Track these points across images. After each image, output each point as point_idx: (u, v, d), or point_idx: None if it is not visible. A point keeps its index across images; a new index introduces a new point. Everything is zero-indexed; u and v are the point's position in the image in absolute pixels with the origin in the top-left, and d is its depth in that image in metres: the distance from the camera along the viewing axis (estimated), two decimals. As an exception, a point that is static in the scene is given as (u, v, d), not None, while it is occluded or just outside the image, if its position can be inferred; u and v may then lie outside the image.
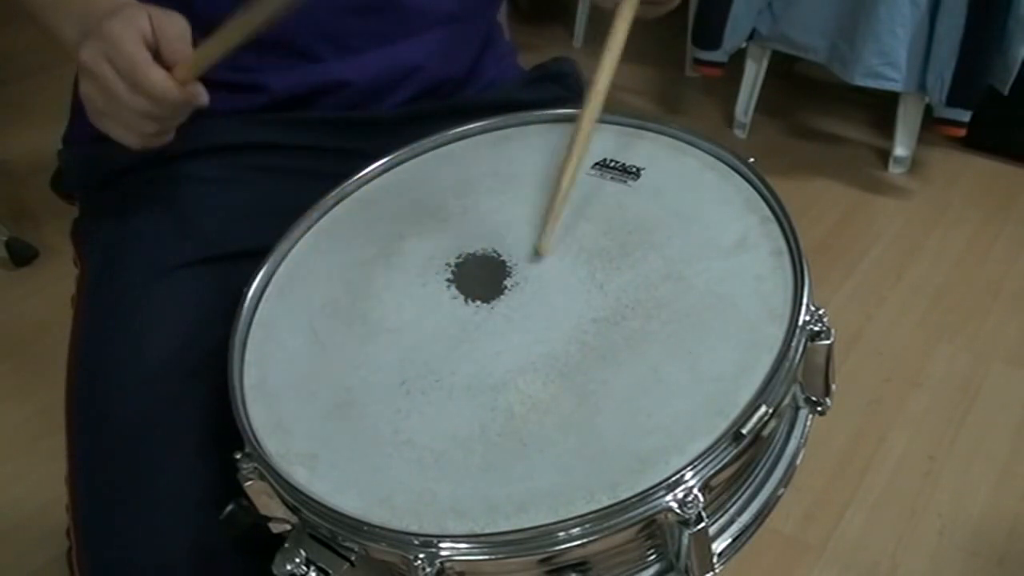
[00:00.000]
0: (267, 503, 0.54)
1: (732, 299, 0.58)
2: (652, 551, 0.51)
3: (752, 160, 0.66)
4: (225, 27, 0.59)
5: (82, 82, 0.61)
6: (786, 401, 0.54)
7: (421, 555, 0.47)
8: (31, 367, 1.55)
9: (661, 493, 0.47)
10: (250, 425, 0.55)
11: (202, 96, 0.61)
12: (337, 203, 0.71)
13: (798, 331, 0.54)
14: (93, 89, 0.60)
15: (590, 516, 0.47)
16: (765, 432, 0.52)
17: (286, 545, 0.52)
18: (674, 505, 0.47)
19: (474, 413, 0.54)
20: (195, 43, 0.62)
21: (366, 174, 0.73)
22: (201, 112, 0.63)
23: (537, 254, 0.62)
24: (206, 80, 0.64)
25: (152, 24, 0.59)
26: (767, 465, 0.56)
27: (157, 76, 0.59)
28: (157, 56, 0.59)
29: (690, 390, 0.53)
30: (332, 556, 0.51)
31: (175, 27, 0.60)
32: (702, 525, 0.48)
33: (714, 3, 1.86)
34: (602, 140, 0.72)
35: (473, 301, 0.60)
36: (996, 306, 1.62)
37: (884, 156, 1.97)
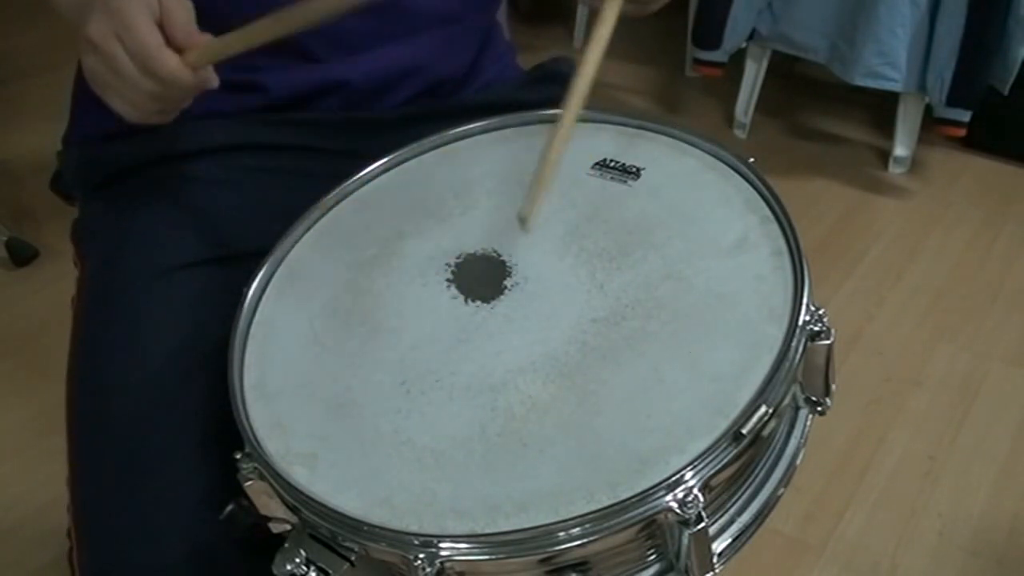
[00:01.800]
0: (267, 503, 0.54)
1: (732, 299, 0.58)
2: (652, 551, 0.51)
3: (752, 160, 0.66)
4: (254, 25, 0.59)
5: (87, 56, 0.59)
6: (786, 401, 0.54)
7: (421, 555, 0.47)
8: (31, 367, 1.55)
9: (661, 493, 0.47)
10: (250, 425, 0.55)
11: (213, 80, 0.61)
12: (337, 203, 0.71)
13: (798, 331, 0.54)
14: (100, 65, 0.59)
15: (590, 516, 0.47)
16: (765, 432, 0.52)
17: (286, 545, 0.52)
18: (674, 505, 0.47)
19: (474, 413, 0.54)
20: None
21: (366, 174, 0.73)
22: (201, 113, 0.63)
23: (521, 223, 0.61)
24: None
25: (161, 5, 0.59)
26: (767, 465, 0.56)
27: (171, 61, 0.58)
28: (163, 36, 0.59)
29: (690, 390, 0.53)
30: (332, 556, 0.51)
31: (183, 10, 0.59)
32: (702, 525, 0.48)
33: (714, 3, 1.86)
34: (602, 140, 0.72)
35: (473, 301, 0.60)
36: (996, 306, 1.62)
37: (884, 156, 1.98)
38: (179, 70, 0.58)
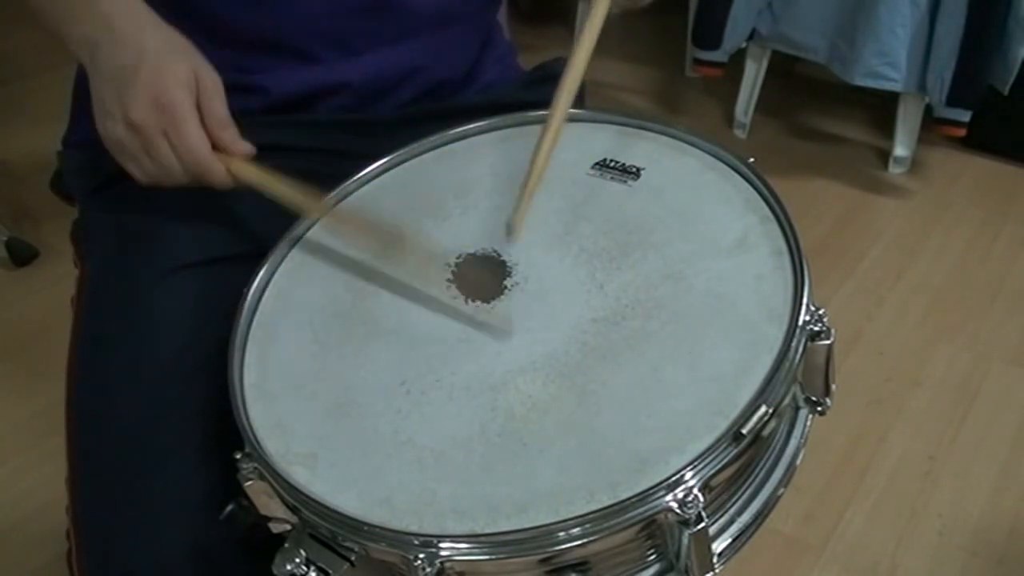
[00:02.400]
0: (267, 503, 0.54)
1: (732, 299, 0.58)
2: (652, 551, 0.51)
3: (752, 160, 0.66)
4: (289, 183, 0.63)
5: (119, 128, 0.61)
6: (786, 401, 0.54)
7: (421, 555, 0.47)
8: (31, 367, 1.55)
9: (661, 493, 0.47)
10: (250, 425, 0.55)
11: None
12: (337, 203, 0.71)
13: (798, 331, 0.54)
14: (135, 146, 0.61)
15: (590, 516, 0.47)
16: (765, 432, 0.52)
17: (286, 545, 0.52)
18: (674, 505, 0.47)
19: (474, 413, 0.54)
20: (197, 46, 0.64)
21: (366, 174, 0.73)
22: None
23: (509, 234, 0.62)
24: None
25: (198, 84, 0.61)
26: (767, 465, 0.56)
27: (220, 172, 0.62)
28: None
29: (690, 390, 0.53)
30: (332, 556, 0.51)
31: (216, 86, 0.62)
32: (702, 525, 0.48)
33: (714, 3, 1.86)
34: (602, 140, 0.72)
35: (473, 301, 0.60)
36: (996, 306, 1.62)
37: (884, 156, 1.98)
38: (223, 177, 0.63)
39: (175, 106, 0.59)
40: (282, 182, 0.63)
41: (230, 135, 0.62)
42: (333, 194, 0.71)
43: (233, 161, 0.63)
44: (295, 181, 0.64)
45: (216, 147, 0.62)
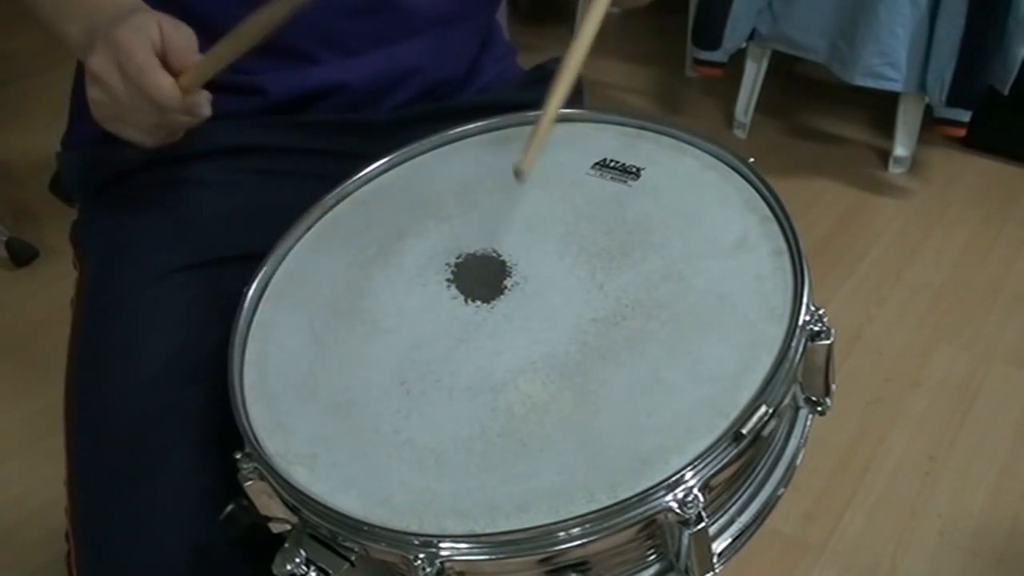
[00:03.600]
0: (267, 503, 0.54)
1: (732, 299, 0.58)
2: (652, 551, 0.51)
3: (752, 160, 0.66)
4: (227, 36, 0.60)
5: (91, 88, 0.61)
6: (786, 401, 0.54)
7: (421, 555, 0.47)
8: (31, 367, 1.55)
9: (661, 493, 0.47)
10: (250, 425, 0.55)
11: (204, 107, 0.62)
12: (337, 203, 0.71)
13: (798, 331, 0.54)
14: (102, 95, 0.61)
15: (590, 516, 0.47)
16: (765, 432, 0.52)
17: (286, 545, 0.52)
18: (674, 505, 0.47)
19: (474, 413, 0.54)
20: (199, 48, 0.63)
21: (366, 174, 0.73)
22: None
23: (517, 174, 0.60)
24: (206, 82, 0.64)
25: (162, 32, 0.60)
26: (767, 465, 0.56)
27: (164, 81, 0.60)
28: (165, 64, 0.60)
29: (690, 390, 0.53)
30: (332, 556, 0.51)
31: (183, 36, 0.61)
32: (702, 525, 0.48)
33: (714, 3, 1.86)
34: (602, 140, 0.72)
35: (473, 301, 0.60)
36: (996, 306, 1.62)
37: (884, 156, 1.97)
38: (172, 91, 0.60)
39: (125, 40, 0.59)
40: (222, 46, 0.61)
41: (184, 55, 0.61)
42: (332, 194, 0.71)
43: (183, 78, 0.61)
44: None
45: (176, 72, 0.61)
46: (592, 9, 0.64)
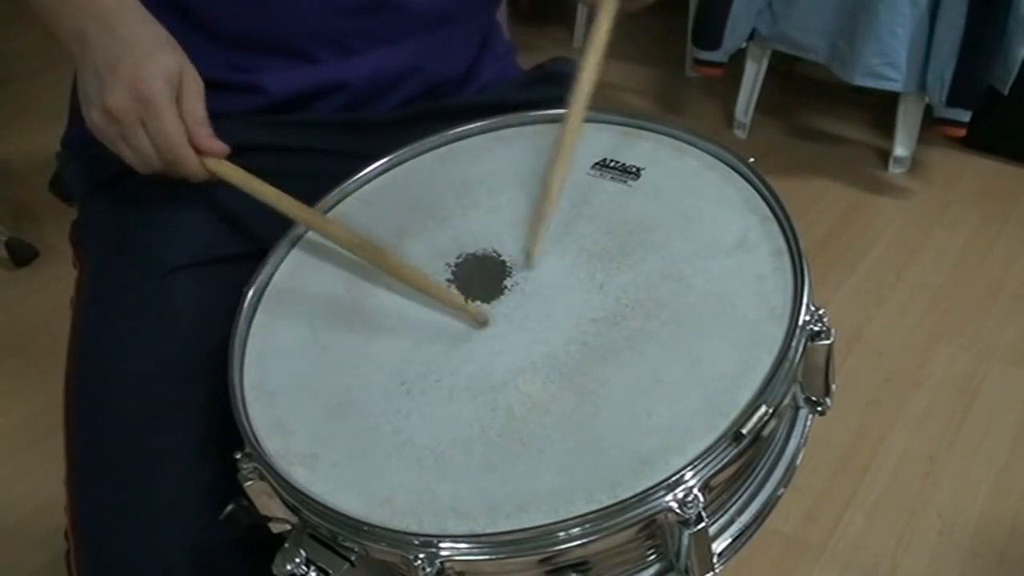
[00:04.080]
0: (267, 503, 0.54)
1: (732, 299, 0.58)
2: (652, 551, 0.51)
3: (752, 160, 0.66)
4: (273, 190, 0.64)
5: (100, 118, 0.62)
6: (786, 401, 0.54)
7: (421, 555, 0.47)
8: (31, 367, 1.55)
9: (661, 493, 0.47)
10: (250, 425, 0.55)
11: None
12: (337, 203, 0.71)
13: (798, 331, 0.54)
14: (116, 136, 0.63)
15: (590, 516, 0.47)
16: (765, 432, 0.52)
17: (286, 545, 0.52)
18: (674, 505, 0.47)
19: (474, 413, 0.54)
20: (193, 46, 0.65)
21: (366, 174, 0.73)
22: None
23: (528, 258, 0.62)
24: (205, 81, 0.64)
25: (181, 81, 0.63)
26: (767, 465, 0.56)
27: (192, 162, 0.63)
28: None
29: (690, 390, 0.53)
30: (332, 556, 0.51)
31: (197, 85, 0.64)
32: (702, 525, 0.48)
33: (714, 3, 1.86)
34: (602, 140, 0.72)
35: (473, 301, 0.60)
36: (996, 306, 1.62)
37: (884, 156, 1.98)
38: (197, 170, 0.64)
39: (153, 96, 0.61)
40: (263, 184, 0.65)
41: (205, 132, 0.64)
42: (332, 194, 0.71)
43: (210, 160, 0.64)
44: (275, 185, 0.65)
45: (193, 145, 0.64)
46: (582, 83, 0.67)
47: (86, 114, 0.63)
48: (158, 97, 0.61)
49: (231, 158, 0.66)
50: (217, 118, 0.72)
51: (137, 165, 0.65)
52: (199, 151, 0.64)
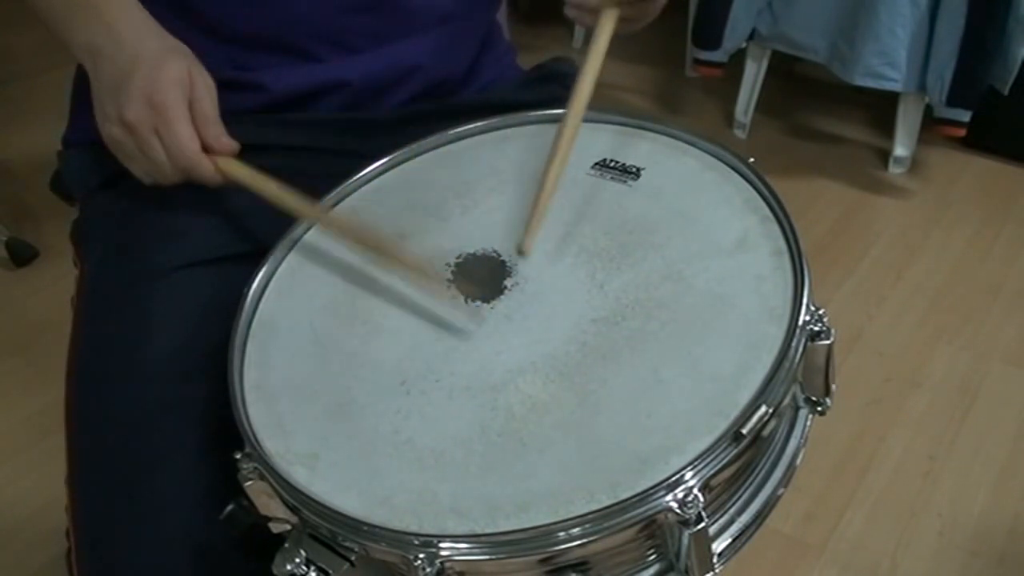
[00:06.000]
0: (267, 503, 0.54)
1: (732, 299, 0.58)
2: (652, 551, 0.51)
3: (752, 160, 0.66)
4: (277, 184, 0.65)
5: (116, 130, 0.64)
6: (786, 401, 0.54)
7: (421, 555, 0.47)
8: (31, 367, 1.55)
9: (661, 493, 0.47)
10: (250, 425, 0.55)
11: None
12: (337, 202, 0.71)
13: (798, 331, 0.54)
14: (131, 146, 0.64)
15: (590, 516, 0.47)
16: (765, 432, 0.52)
17: (286, 545, 0.52)
18: (674, 505, 0.47)
19: (474, 413, 0.54)
20: (195, 45, 0.66)
21: (366, 174, 0.73)
22: None
23: (520, 253, 0.62)
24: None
25: (192, 90, 0.64)
26: (767, 465, 0.56)
27: (207, 168, 0.64)
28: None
29: (690, 390, 0.53)
30: (332, 556, 0.51)
31: (210, 102, 0.65)
32: (702, 525, 0.48)
33: (714, 3, 1.86)
34: (602, 140, 0.72)
35: (473, 301, 0.60)
36: (996, 306, 1.62)
37: (884, 156, 1.98)
38: (211, 175, 0.65)
39: (167, 105, 0.62)
40: (270, 182, 0.65)
41: (215, 132, 0.65)
42: (332, 194, 0.71)
43: (221, 159, 0.65)
44: (283, 183, 0.65)
45: (205, 146, 0.65)
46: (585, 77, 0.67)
47: (103, 130, 0.65)
48: (172, 105, 0.62)
49: (235, 156, 0.66)
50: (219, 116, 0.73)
51: (148, 176, 0.66)
52: (209, 151, 0.65)
